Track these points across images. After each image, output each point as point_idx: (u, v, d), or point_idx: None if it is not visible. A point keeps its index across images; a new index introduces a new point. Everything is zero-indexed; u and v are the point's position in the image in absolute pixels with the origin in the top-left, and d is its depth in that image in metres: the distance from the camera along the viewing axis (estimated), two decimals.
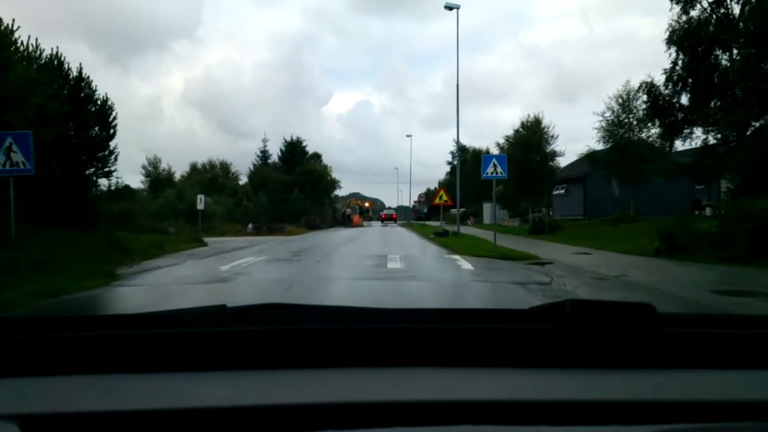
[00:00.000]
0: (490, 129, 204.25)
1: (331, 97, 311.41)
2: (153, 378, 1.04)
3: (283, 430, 0.91)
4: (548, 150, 31.04)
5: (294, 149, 74.00)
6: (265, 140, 74.06)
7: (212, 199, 48.87)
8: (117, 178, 24.77)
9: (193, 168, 62.97)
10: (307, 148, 75.55)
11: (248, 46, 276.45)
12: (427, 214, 75.75)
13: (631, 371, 1.10)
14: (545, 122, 31.87)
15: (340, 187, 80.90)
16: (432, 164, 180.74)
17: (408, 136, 71.63)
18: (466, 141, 61.93)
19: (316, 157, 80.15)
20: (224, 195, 53.34)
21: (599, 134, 28.61)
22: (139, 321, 1.20)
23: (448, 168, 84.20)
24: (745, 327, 1.32)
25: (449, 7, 26.40)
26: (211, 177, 57.12)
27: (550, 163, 31.33)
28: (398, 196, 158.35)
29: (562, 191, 39.18)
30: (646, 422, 0.93)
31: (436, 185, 78.02)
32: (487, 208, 49.14)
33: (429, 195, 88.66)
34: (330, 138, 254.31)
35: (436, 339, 1.14)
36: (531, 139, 30.63)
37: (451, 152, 61.95)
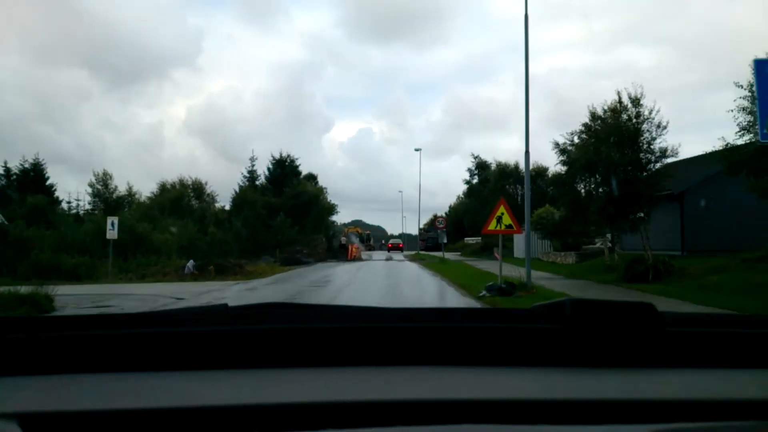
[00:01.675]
0: (489, 156, 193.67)
1: (333, 125, 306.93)
2: (154, 377, 1.04)
3: (284, 429, 0.91)
4: (653, 146, 19.47)
5: (283, 168, 63.24)
6: (253, 159, 63.00)
7: (176, 225, 37.90)
8: None
9: (162, 187, 51.93)
10: (300, 168, 64.63)
11: (249, 75, 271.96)
12: (436, 243, 64.81)
13: (631, 370, 1.10)
14: (647, 102, 20.11)
15: (337, 212, 69.75)
16: (433, 192, 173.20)
17: (417, 150, 60.16)
18: (469, 164, 51.69)
19: (311, 178, 69.28)
20: (191, 220, 42.24)
21: (741, 118, 17.20)
22: (140, 320, 1.19)
23: (461, 189, 72.60)
24: (745, 326, 1.32)
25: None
26: (175, 197, 45.96)
27: (655, 166, 19.72)
28: (403, 222, 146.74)
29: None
30: (646, 421, 0.93)
31: (442, 213, 66.41)
32: (519, 238, 37.86)
33: (433, 222, 77.64)
34: (332, 165, 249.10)
35: (436, 338, 1.14)
36: (622, 129, 19.27)
37: (469, 169, 51.63)
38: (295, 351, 1.10)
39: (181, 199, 46.18)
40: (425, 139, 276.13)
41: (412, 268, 29.85)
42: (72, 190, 63.30)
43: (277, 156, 62.92)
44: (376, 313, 1.23)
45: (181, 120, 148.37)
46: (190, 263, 23.58)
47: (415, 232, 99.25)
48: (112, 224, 22.42)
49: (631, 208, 19.28)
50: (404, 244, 75.07)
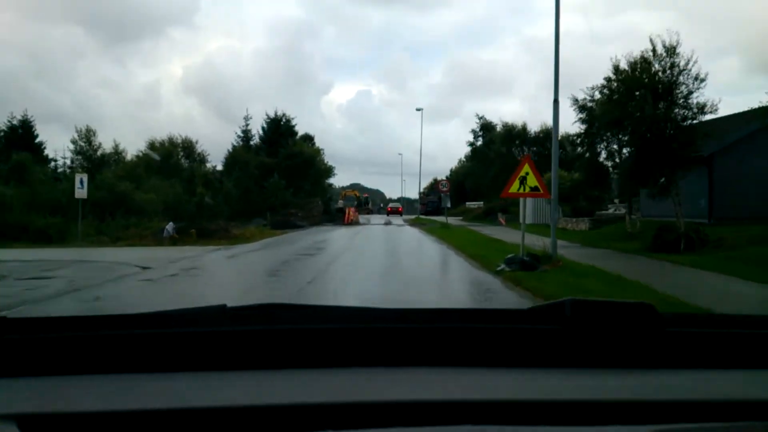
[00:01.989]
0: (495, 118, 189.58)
1: (332, 87, 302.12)
2: (152, 378, 1.03)
3: (282, 430, 0.91)
4: (690, 101, 17.04)
5: (278, 127, 60.58)
6: (247, 118, 60.29)
7: (161, 185, 35.65)
8: None
9: (151, 146, 49.34)
10: (297, 128, 62.07)
11: (247, 34, 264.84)
12: (437, 208, 62.66)
13: (631, 371, 1.09)
14: (683, 51, 17.56)
15: (334, 174, 67.42)
16: (433, 156, 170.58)
17: (418, 109, 57.08)
18: (468, 131, 48.57)
19: (308, 139, 66.71)
20: (179, 180, 39.90)
21: None
22: (138, 321, 1.16)
23: (462, 153, 69.99)
24: (745, 327, 1.30)
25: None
26: (163, 156, 43.45)
27: (689, 122, 17.29)
28: (402, 186, 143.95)
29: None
30: (647, 422, 0.93)
31: (442, 177, 63.89)
32: (527, 202, 35.81)
33: (433, 185, 75.26)
34: (330, 128, 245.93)
35: (436, 339, 1.13)
36: (656, 81, 16.84)
37: (473, 131, 48.86)
38: (294, 352, 1.09)
39: (170, 158, 43.66)
40: (425, 103, 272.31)
41: (413, 233, 27.75)
42: (61, 148, 60.56)
43: (272, 115, 60.39)
44: (375, 314, 1.22)
45: (177, 79, 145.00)
46: (170, 226, 21.45)
47: (414, 196, 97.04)
48: (81, 182, 20.28)
49: (662, 170, 17.03)
50: (403, 208, 73.16)
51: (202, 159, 51.45)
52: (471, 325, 1.19)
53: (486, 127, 46.88)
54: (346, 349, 1.10)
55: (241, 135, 60.37)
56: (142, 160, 42.90)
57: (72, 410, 0.91)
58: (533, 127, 42.62)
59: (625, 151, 19.43)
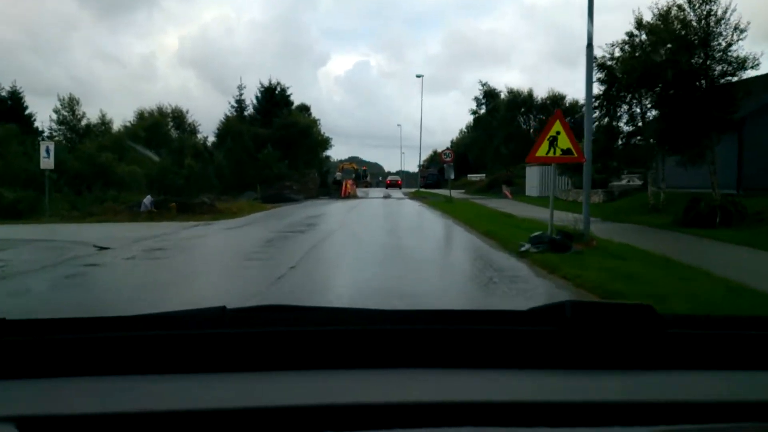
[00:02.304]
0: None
1: (329, 58, 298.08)
2: (152, 380, 1.02)
3: None
4: (729, 54, 14.96)
5: (272, 97, 58.23)
6: (241, 87, 57.91)
7: (145, 157, 33.59)
8: None
9: (140, 116, 47.07)
10: (293, 98, 59.79)
11: (242, 4, 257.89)
12: (438, 181, 60.81)
13: (631, 372, 1.09)
14: None
15: (331, 146, 65.22)
16: (432, 129, 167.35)
17: (418, 76, 54.33)
18: (469, 100, 45.14)
19: (304, 109, 64.39)
20: (167, 151, 37.82)
21: None
22: (137, 323, 1.16)
23: (462, 125, 67.94)
24: (746, 328, 1.30)
25: None
26: (151, 125, 41.27)
27: (727, 79, 15.27)
28: (401, 159, 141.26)
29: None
30: (647, 423, 0.93)
31: (442, 149, 61.48)
32: (532, 173, 33.80)
33: (433, 158, 73.22)
34: (328, 100, 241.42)
35: (436, 341, 1.13)
36: (689, 29, 14.76)
37: (476, 98, 46.19)
38: (293, 353, 1.09)
39: (158, 128, 41.50)
40: (424, 73, 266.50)
41: (415, 208, 25.86)
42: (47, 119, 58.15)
43: (266, 83, 58.00)
44: (375, 316, 1.22)
45: (173, 51, 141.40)
46: (147, 199, 19.57)
47: (413, 169, 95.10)
48: (47, 150, 18.27)
49: (697, 133, 15.08)
50: (402, 181, 71.32)
51: (193, 130, 49.39)
52: (471, 327, 1.19)
53: (490, 95, 44.47)
54: (346, 351, 1.09)
55: (235, 105, 58.25)
56: (129, 130, 40.82)
57: (71, 412, 0.90)
58: (540, 93, 40.41)
59: (650, 114, 17.43)
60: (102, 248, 10.75)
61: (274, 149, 47.95)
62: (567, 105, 37.11)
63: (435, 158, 72.84)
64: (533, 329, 1.15)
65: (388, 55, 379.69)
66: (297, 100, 60.37)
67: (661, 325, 1.12)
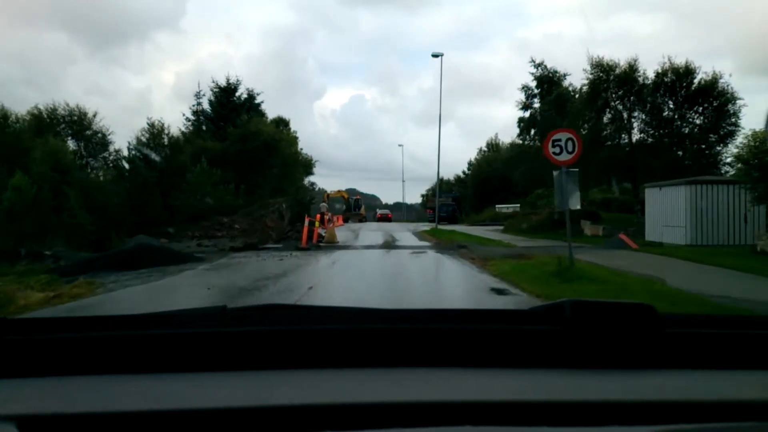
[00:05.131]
0: (486, 125, 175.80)
1: (325, 92, 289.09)
2: (152, 379, 1.03)
3: (282, 431, 0.90)
4: None
5: (230, 100, 42.66)
6: (199, 95, 42.73)
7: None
8: None
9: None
10: (264, 108, 44.45)
11: (239, 39, 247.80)
12: (452, 213, 44.83)
13: (631, 372, 1.09)
14: None
15: (314, 165, 49.26)
16: (426, 161, 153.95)
17: (435, 56, 37.73)
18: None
19: (283, 123, 48.97)
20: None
21: None
22: (138, 322, 1.17)
23: (467, 155, 52.42)
24: (745, 327, 1.30)
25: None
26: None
27: None
28: (403, 189, 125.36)
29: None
30: (646, 422, 0.92)
31: (433, 183, 46.08)
32: (670, 198, 17.95)
33: (447, 186, 57.51)
34: (324, 133, 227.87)
35: (436, 340, 1.13)
36: None
37: (525, 88, 29.54)
38: (294, 353, 1.08)
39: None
40: (418, 107, 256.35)
41: (481, 293, 9.95)
42: None
43: (224, 83, 42.56)
44: (376, 315, 1.21)
45: (169, 86, 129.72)
46: None
47: (413, 200, 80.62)
48: None
49: None
50: (402, 214, 55.85)
51: (100, 140, 33.52)
52: (471, 326, 1.18)
53: (547, 80, 28.55)
54: (346, 350, 1.09)
55: (193, 117, 42.84)
56: None
57: (72, 411, 0.90)
58: (647, 69, 24.06)
59: None
60: None
61: (225, 169, 32.51)
62: (701, 82, 21.60)
63: (448, 186, 57.01)
64: (533, 329, 1.14)
65: (382, 89, 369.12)
66: (271, 109, 44.25)
67: (660, 325, 1.12)
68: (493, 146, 55.24)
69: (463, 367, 1.08)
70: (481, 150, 57.10)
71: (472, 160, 56.28)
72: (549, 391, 1.00)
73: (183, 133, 39.80)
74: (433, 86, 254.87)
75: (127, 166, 27.45)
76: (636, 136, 24.10)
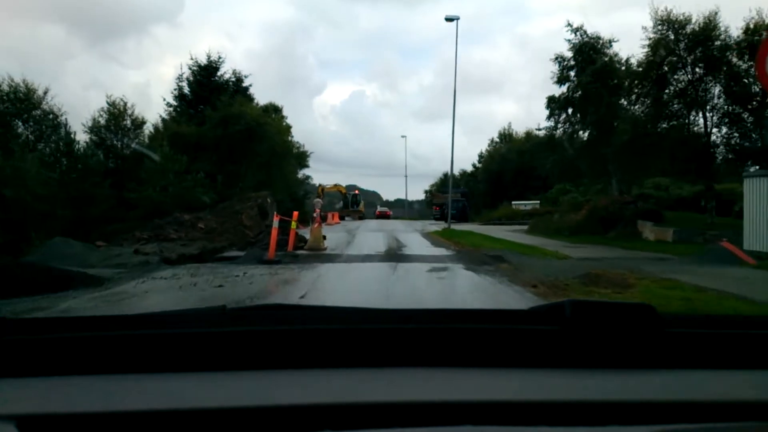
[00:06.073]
0: (486, 123, 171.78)
1: (325, 88, 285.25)
2: (152, 379, 1.03)
3: (283, 431, 0.90)
4: None
5: (210, 76, 37.43)
6: (181, 78, 37.56)
7: None
8: None
9: None
10: (252, 92, 39.12)
11: (238, 35, 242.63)
12: (462, 210, 39.71)
13: (630, 371, 1.09)
14: None
15: (308, 156, 44.05)
16: (427, 158, 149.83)
17: (448, 19, 31.92)
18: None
19: (274, 110, 43.75)
20: None
21: None
22: (138, 321, 1.17)
23: (470, 153, 47.15)
24: (745, 327, 1.29)
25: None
26: None
27: None
28: (406, 183, 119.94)
29: None
30: (646, 422, 0.92)
31: (437, 181, 40.66)
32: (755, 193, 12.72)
33: (442, 184, 52.55)
34: (324, 129, 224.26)
35: (436, 339, 1.12)
36: None
37: (559, 59, 23.32)
38: (294, 352, 1.08)
39: None
40: (419, 103, 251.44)
41: None
42: None
43: (204, 61, 37.30)
44: (376, 315, 1.20)
45: (168, 80, 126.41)
46: None
47: (416, 197, 75.63)
48: None
49: None
50: (402, 212, 51.08)
51: (52, 122, 28.30)
52: (471, 326, 1.18)
53: (591, 47, 23.13)
54: (346, 350, 1.09)
55: (175, 102, 37.58)
56: None
57: (72, 411, 0.90)
58: (729, 26, 18.81)
59: None
60: None
61: (201, 158, 27.55)
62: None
63: (455, 182, 51.83)
64: (533, 328, 1.14)
65: (383, 85, 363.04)
66: (261, 95, 38.85)
67: (660, 325, 1.11)
68: (505, 137, 49.89)
69: (464, 367, 1.08)
70: (492, 141, 51.84)
71: (483, 151, 50.98)
72: (549, 391, 1.00)
73: (163, 119, 34.82)
74: (433, 83, 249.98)
75: (64, 149, 22.21)
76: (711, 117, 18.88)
